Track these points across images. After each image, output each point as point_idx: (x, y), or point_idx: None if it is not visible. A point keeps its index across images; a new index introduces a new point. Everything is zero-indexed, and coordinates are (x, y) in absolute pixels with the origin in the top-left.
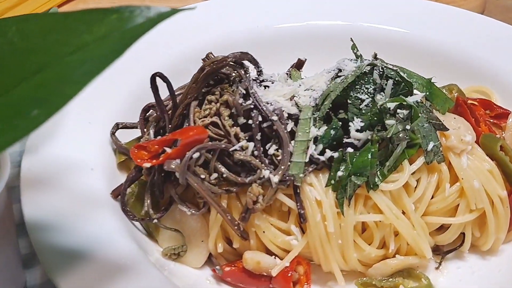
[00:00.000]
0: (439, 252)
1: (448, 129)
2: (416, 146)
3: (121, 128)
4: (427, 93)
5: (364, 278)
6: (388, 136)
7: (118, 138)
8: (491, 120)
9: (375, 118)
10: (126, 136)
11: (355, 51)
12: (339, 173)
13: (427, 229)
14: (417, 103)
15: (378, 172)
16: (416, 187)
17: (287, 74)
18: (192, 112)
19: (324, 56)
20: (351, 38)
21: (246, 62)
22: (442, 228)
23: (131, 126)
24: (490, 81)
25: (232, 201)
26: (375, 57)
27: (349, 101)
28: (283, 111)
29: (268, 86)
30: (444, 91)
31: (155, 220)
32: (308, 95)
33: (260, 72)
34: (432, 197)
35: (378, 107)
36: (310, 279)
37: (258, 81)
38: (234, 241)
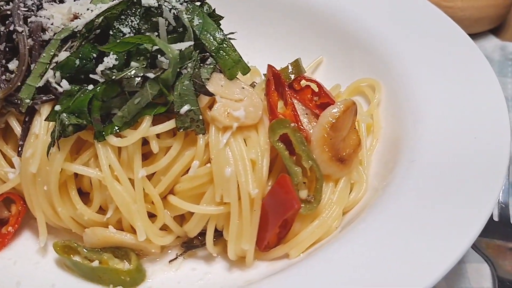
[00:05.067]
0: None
1: (212, 95)
2: (169, 105)
3: None
4: (213, 49)
5: (69, 241)
6: (113, 78)
7: None
8: (313, 110)
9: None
10: None
11: None
12: (56, 107)
13: (162, 208)
14: (191, 55)
15: (115, 123)
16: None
17: None
18: None
19: None
20: None
21: None
22: None
23: None
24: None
25: None
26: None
27: (111, 33)
28: (48, 28)
29: (63, 2)
30: (289, 65)
31: None
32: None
33: None
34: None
35: (117, 41)
36: (19, 223)
37: None
38: None
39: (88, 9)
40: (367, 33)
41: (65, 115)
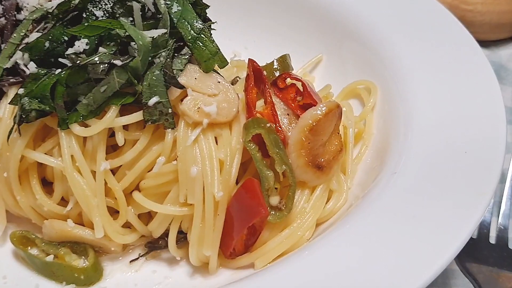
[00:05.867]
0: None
1: (182, 87)
2: (137, 96)
3: None
4: (190, 39)
5: (27, 231)
6: (79, 63)
7: None
8: (295, 111)
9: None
10: None
11: None
12: (20, 91)
13: (125, 204)
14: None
15: (79, 111)
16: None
17: None
18: None
19: None
20: None
21: None
22: None
23: None
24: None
25: None
26: None
27: (84, 15)
28: (24, 7)
29: None
30: (275, 61)
31: None
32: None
33: None
34: None
35: (86, 25)
36: None
37: None
38: None
39: None
40: (371, 33)
41: (26, 99)
